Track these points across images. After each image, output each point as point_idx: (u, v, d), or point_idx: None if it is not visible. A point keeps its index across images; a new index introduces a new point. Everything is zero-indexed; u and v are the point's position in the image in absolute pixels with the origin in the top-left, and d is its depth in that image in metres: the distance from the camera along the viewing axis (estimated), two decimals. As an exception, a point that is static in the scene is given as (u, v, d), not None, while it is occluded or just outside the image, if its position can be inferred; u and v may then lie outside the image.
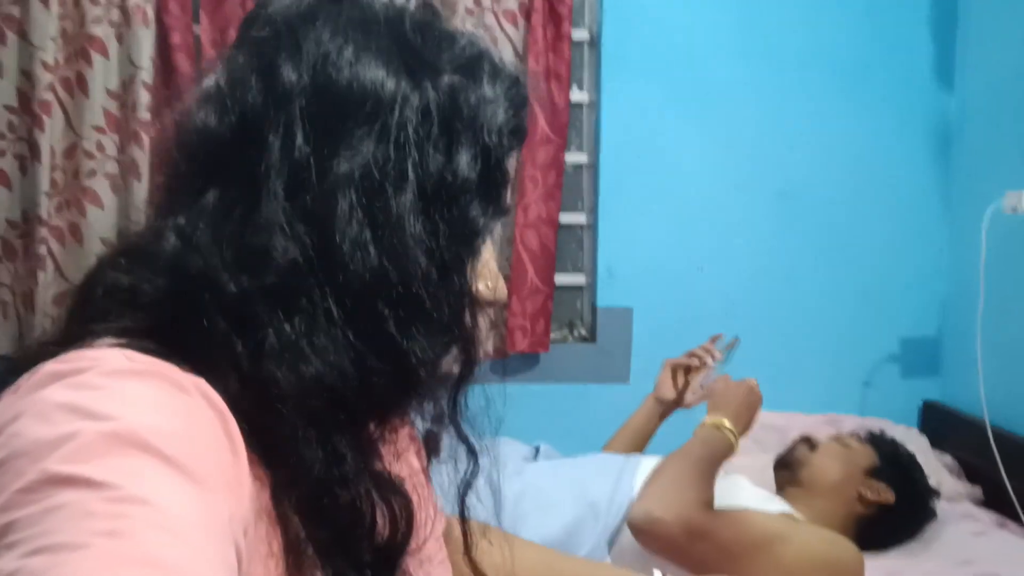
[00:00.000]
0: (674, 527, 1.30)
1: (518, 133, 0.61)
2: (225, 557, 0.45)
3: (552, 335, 2.20)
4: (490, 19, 2.08)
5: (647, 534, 1.32)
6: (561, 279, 2.21)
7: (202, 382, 0.50)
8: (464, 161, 0.56)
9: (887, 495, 1.61)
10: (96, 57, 1.98)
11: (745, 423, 1.59)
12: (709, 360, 1.82)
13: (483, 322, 0.63)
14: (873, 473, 1.64)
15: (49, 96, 1.95)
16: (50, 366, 0.49)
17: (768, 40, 2.19)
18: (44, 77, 1.94)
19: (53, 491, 0.42)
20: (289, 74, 0.55)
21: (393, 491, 0.56)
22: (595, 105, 2.22)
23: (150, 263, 0.55)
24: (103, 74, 1.99)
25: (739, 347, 1.91)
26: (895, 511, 1.63)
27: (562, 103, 2.09)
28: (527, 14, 2.08)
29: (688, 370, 1.84)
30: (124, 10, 1.97)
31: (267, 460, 0.52)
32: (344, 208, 0.53)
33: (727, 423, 1.54)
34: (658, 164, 2.20)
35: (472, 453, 0.64)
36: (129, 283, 0.55)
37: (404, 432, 0.70)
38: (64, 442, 0.43)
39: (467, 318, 0.58)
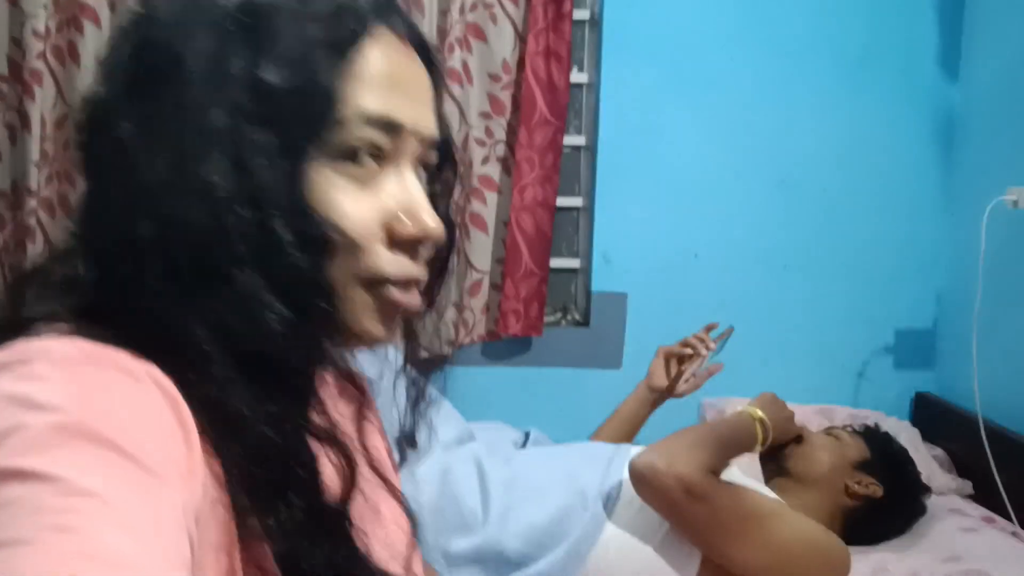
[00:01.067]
0: (672, 481, 1.29)
1: (335, 45, 0.55)
2: (179, 549, 0.44)
3: (545, 319, 2.18)
4: (490, -4, 2.04)
5: (645, 483, 1.31)
6: (555, 263, 2.19)
7: (154, 368, 0.49)
8: (270, 79, 0.53)
9: (875, 489, 1.61)
10: (88, 25, 1.94)
11: (775, 436, 1.57)
12: (703, 350, 1.81)
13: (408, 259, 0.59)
14: (862, 467, 1.64)
15: (40, 65, 1.92)
16: None
17: (770, 26, 2.15)
18: (35, 45, 1.90)
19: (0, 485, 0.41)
20: (115, 53, 0.56)
21: (331, 440, 0.55)
22: (594, 87, 2.19)
23: (78, 252, 0.55)
24: (95, 43, 1.95)
25: (732, 336, 1.90)
26: (883, 506, 1.62)
27: (562, 84, 2.06)
28: (528, -8, 2.04)
29: (681, 359, 1.83)
30: (117, -22, 1.94)
31: (211, 433, 0.51)
32: (162, 164, 0.52)
33: (763, 416, 1.52)
34: (656, 148, 2.17)
35: (417, 388, 0.66)
36: (63, 273, 0.55)
37: (375, 424, 0.70)
38: (10, 435, 0.42)
39: (303, 229, 0.53)
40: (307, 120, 0.54)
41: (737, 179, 2.19)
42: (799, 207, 2.20)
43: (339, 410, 0.66)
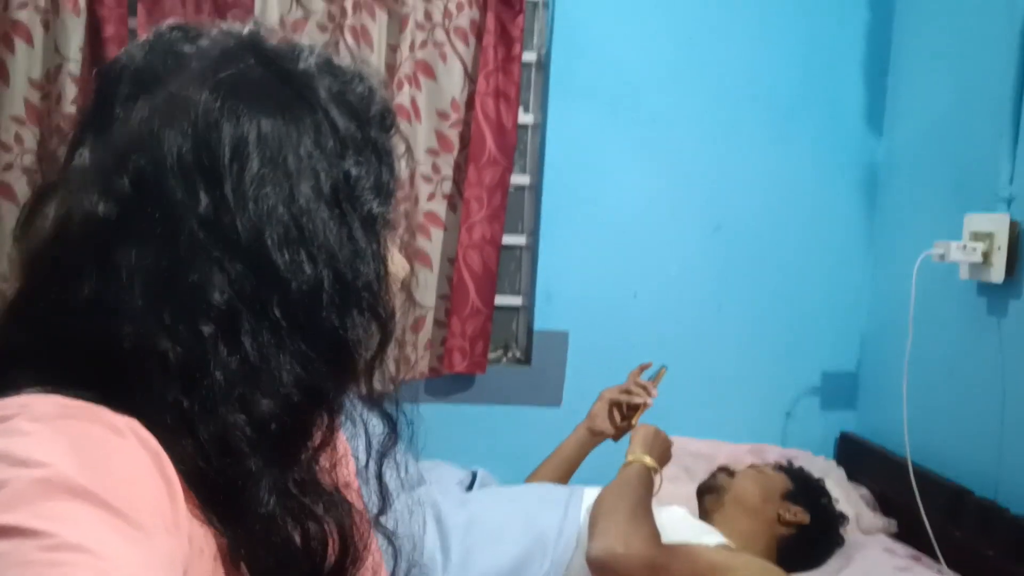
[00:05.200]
0: (637, 562, 1.34)
1: (388, 118, 0.65)
2: None
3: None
4: (440, 35, 2.05)
5: (611, 571, 1.34)
6: (498, 300, 2.19)
7: (135, 423, 0.50)
8: (353, 161, 0.60)
9: (803, 516, 1.74)
10: (19, 44, 1.86)
11: (662, 465, 1.69)
12: (648, 399, 1.85)
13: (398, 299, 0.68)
14: (788, 496, 1.76)
15: (-34, 83, 1.82)
16: None
17: (708, 75, 2.23)
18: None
19: None
20: (174, 138, 0.55)
21: (345, 509, 0.58)
22: (540, 128, 2.22)
23: (63, 337, 0.53)
24: (26, 62, 1.87)
25: (669, 375, 1.94)
26: (810, 531, 1.74)
27: (510, 125, 2.08)
28: (479, 33, 2.06)
29: (629, 407, 1.86)
30: (54, -3, 1.86)
31: (216, 507, 0.52)
32: (274, 236, 0.55)
33: (653, 463, 1.62)
34: (599, 189, 2.21)
35: (391, 423, 0.69)
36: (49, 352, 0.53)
37: (340, 441, 0.72)
38: None
39: (386, 296, 0.63)
40: (388, 195, 0.64)
41: (674, 221, 2.25)
42: (733, 250, 2.27)
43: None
